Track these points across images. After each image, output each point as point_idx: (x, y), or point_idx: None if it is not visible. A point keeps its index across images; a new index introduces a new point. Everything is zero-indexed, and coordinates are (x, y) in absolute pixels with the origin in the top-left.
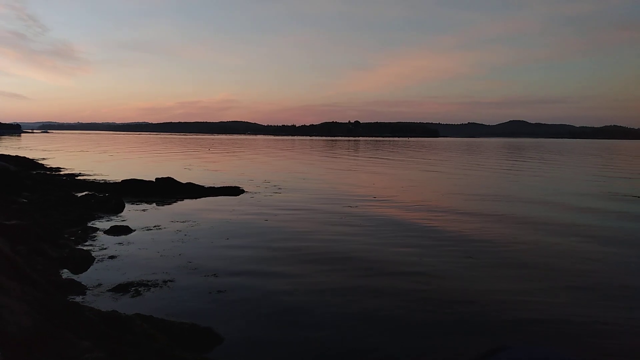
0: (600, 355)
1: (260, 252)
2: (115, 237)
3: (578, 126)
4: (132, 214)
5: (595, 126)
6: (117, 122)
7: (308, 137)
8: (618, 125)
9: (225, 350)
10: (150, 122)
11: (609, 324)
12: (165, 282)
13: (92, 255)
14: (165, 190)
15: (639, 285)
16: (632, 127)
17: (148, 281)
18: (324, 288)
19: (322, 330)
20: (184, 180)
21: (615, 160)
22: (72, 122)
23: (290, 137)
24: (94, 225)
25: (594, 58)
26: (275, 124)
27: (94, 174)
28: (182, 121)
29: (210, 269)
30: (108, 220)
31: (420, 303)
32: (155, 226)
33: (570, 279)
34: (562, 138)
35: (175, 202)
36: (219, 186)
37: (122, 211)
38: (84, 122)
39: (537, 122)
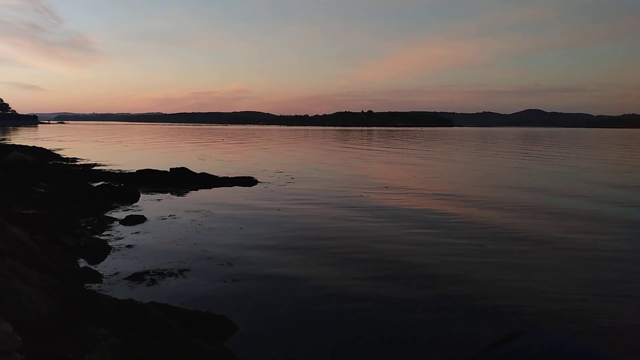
0: (616, 344)
1: (275, 242)
2: (131, 226)
3: (596, 115)
4: (147, 203)
5: (614, 115)
6: (132, 112)
7: (321, 127)
8: (637, 113)
9: (239, 339)
10: (164, 112)
11: (624, 316)
12: (180, 271)
13: (109, 244)
14: (179, 180)
15: None
16: None
17: (164, 270)
18: (340, 279)
19: (338, 322)
20: (198, 171)
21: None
22: (87, 113)
23: (303, 127)
24: (110, 215)
25: (611, 46)
26: (288, 114)
27: (110, 164)
28: (196, 111)
29: (225, 258)
30: (124, 210)
31: (434, 292)
32: (170, 215)
33: (586, 270)
34: (579, 127)
35: (189, 192)
36: (232, 176)
37: (137, 201)
38: (99, 112)
39: (553, 111)
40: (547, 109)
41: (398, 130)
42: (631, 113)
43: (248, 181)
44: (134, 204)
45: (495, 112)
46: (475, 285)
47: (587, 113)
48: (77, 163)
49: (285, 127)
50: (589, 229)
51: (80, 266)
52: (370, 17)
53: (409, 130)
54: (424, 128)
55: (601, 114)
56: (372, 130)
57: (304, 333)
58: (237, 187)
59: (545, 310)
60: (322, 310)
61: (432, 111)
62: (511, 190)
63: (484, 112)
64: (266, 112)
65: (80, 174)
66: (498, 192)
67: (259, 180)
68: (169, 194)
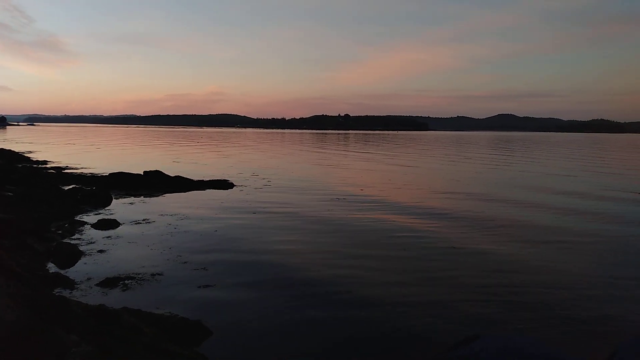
0: (576, 344)
1: (250, 245)
2: (103, 231)
3: (566, 120)
4: (120, 207)
5: (583, 120)
6: (105, 114)
7: (298, 130)
8: (605, 119)
9: (214, 344)
10: (138, 114)
11: (580, 318)
12: (154, 275)
13: (80, 249)
14: (153, 184)
15: (624, 274)
16: (618, 121)
17: (137, 275)
18: (315, 282)
19: (311, 324)
20: (172, 174)
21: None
22: (58, 115)
23: (280, 131)
24: (81, 219)
25: (582, 53)
26: (265, 117)
27: (81, 167)
28: (171, 114)
29: (199, 263)
30: (96, 214)
31: (401, 292)
32: (143, 220)
33: (548, 271)
34: (550, 132)
35: (163, 195)
36: (208, 179)
37: (109, 205)
38: (70, 114)
39: (525, 115)
40: (520, 113)
41: (374, 134)
42: (599, 118)
43: (224, 184)
44: (107, 208)
45: (470, 116)
46: (443, 287)
47: (558, 118)
48: (48, 166)
49: (262, 130)
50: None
51: (50, 271)
52: (348, 22)
53: (385, 134)
54: (399, 132)
55: (571, 119)
56: (348, 133)
57: (278, 337)
58: (213, 190)
59: (505, 312)
60: (296, 314)
61: (408, 115)
62: (480, 193)
63: (458, 116)
64: (243, 114)
65: (50, 177)
66: (468, 195)
67: (234, 183)
68: (143, 197)
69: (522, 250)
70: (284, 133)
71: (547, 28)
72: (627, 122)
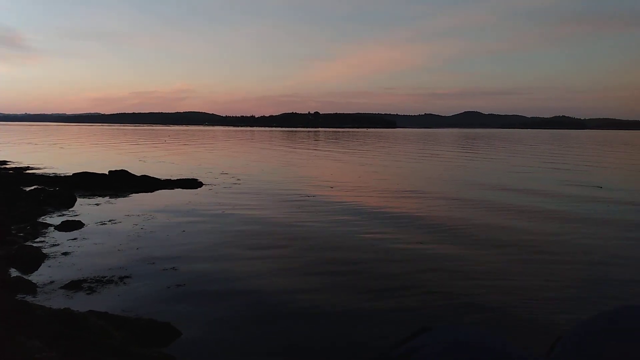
0: (526, 338)
1: (220, 245)
2: (67, 232)
3: (530, 117)
4: (85, 208)
5: (546, 117)
6: (68, 112)
7: (268, 128)
8: (567, 115)
9: (183, 345)
10: (102, 112)
11: (535, 310)
12: (121, 277)
13: (43, 252)
14: (119, 184)
15: (588, 262)
16: (579, 118)
17: (103, 277)
18: (284, 279)
19: (281, 323)
20: (138, 173)
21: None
22: (18, 113)
23: (249, 128)
24: (44, 221)
25: (545, 51)
26: (234, 115)
27: (43, 167)
28: (137, 112)
29: (168, 263)
30: (59, 216)
31: (368, 289)
32: (109, 220)
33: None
34: (514, 128)
35: (130, 195)
36: (175, 178)
37: (73, 206)
38: (31, 113)
39: (490, 112)
40: (485, 111)
41: (344, 131)
42: (561, 115)
43: (192, 183)
44: (71, 209)
45: (437, 114)
46: (405, 281)
47: (521, 115)
48: (7, 166)
49: (231, 128)
50: (526, 226)
51: (12, 276)
52: (318, 20)
53: (355, 131)
54: (369, 129)
55: (535, 115)
56: (318, 131)
57: (249, 337)
58: (181, 189)
59: (460, 304)
60: (267, 313)
61: (377, 113)
62: (451, 189)
63: (425, 114)
64: (211, 112)
65: (10, 178)
66: (438, 190)
67: (203, 182)
68: (108, 197)
69: (474, 251)
70: (253, 131)
71: (512, 27)
72: (587, 118)
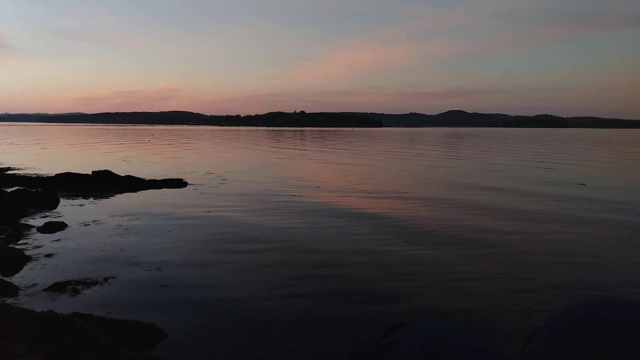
0: (500, 329)
1: (205, 245)
2: (51, 234)
3: (513, 115)
4: (68, 209)
5: (529, 115)
6: (50, 112)
7: (254, 128)
8: (550, 114)
9: (169, 346)
10: (86, 112)
11: (509, 306)
12: (105, 279)
13: (26, 254)
14: (102, 184)
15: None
16: (561, 116)
17: (87, 278)
18: (269, 281)
19: (266, 324)
20: (122, 173)
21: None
22: None
23: (235, 128)
24: (26, 223)
25: (527, 52)
26: (220, 114)
27: (25, 168)
28: (121, 111)
29: (153, 264)
30: (42, 217)
31: (348, 289)
32: (93, 221)
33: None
34: (498, 127)
35: (114, 196)
36: (160, 178)
37: (57, 207)
38: (12, 112)
39: (474, 111)
40: (469, 110)
41: (330, 130)
42: (544, 114)
43: (177, 183)
44: (54, 210)
45: (422, 113)
46: (385, 278)
47: (504, 114)
48: None
49: (217, 128)
50: (498, 222)
51: None
52: (303, 19)
53: (341, 130)
54: (355, 128)
55: (518, 114)
56: (304, 130)
57: (235, 337)
58: (166, 189)
59: (434, 301)
60: (253, 314)
61: (363, 112)
62: (435, 189)
63: (411, 113)
64: (196, 112)
65: None
66: (422, 190)
67: (188, 182)
68: (92, 198)
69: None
70: (239, 130)
71: (495, 28)
72: (569, 117)
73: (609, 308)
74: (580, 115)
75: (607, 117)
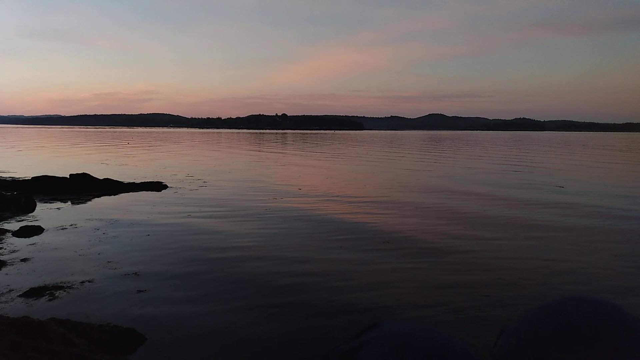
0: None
1: (183, 249)
2: (27, 238)
3: (492, 119)
4: (45, 213)
5: (507, 119)
6: (26, 114)
7: (235, 130)
8: (527, 118)
9: (149, 350)
10: (63, 114)
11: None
12: (83, 283)
13: (0, 259)
14: (80, 187)
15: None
16: (538, 120)
17: (64, 283)
18: (248, 286)
19: (243, 328)
20: (101, 176)
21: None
22: None
23: (216, 130)
24: (1, 227)
25: (506, 56)
26: (200, 117)
27: (0, 171)
28: (99, 113)
29: (131, 268)
30: (18, 221)
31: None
32: (71, 225)
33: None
34: (477, 130)
35: (92, 199)
36: (139, 182)
37: (33, 211)
38: None
39: (454, 115)
40: (449, 113)
41: (312, 133)
42: (521, 117)
43: (156, 186)
44: (30, 214)
45: (402, 116)
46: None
47: (484, 117)
48: None
49: (197, 130)
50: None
51: None
52: (283, 22)
53: (323, 133)
54: (336, 131)
55: (496, 118)
56: (286, 133)
57: (213, 339)
58: (145, 192)
59: (404, 301)
60: (230, 317)
61: (344, 115)
62: (416, 195)
63: (392, 116)
64: (175, 114)
65: None
66: (402, 194)
67: (168, 185)
68: (70, 202)
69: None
70: (219, 133)
71: (472, 32)
72: (546, 120)
73: (575, 306)
74: (556, 119)
75: (582, 121)
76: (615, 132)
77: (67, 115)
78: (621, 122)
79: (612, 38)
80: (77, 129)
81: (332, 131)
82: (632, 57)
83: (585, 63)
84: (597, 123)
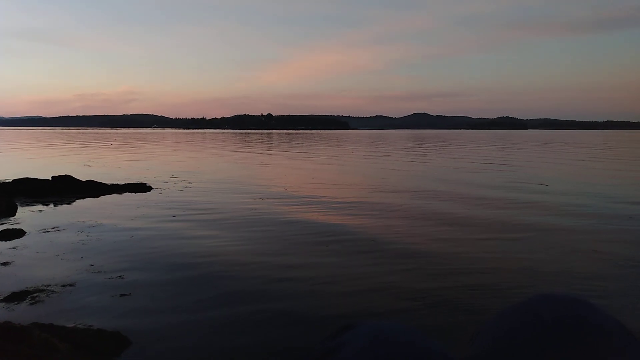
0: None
1: (169, 250)
2: (7, 241)
3: (475, 118)
4: (26, 215)
5: (491, 117)
6: (6, 116)
7: (220, 130)
8: (510, 116)
9: (134, 354)
10: (44, 115)
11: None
12: (65, 287)
13: None
14: (63, 190)
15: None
16: (521, 118)
17: (47, 287)
18: (234, 286)
19: (228, 332)
20: (84, 178)
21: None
22: None
23: (201, 131)
24: None
25: (486, 55)
26: (185, 117)
27: None
28: (81, 114)
29: (115, 271)
30: None
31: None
32: (53, 228)
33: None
34: (461, 129)
35: (75, 201)
36: (123, 183)
37: (14, 214)
38: None
39: (438, 114)
40: (433, 112)
41: (297, 133)
42: (505, 116)
43: (140, 188)
44: (11, 217)
45: (387, 115)
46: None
47: (467, 116)
48: None
49: (182, 131)
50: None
51: None
52: (268, 22)
53: (309, 133)
54: (322, 131)
55: (480, 116)
56: (272, 133)
57: (200, 342)
58: (129, 194)
59: (383, 300)
60: (217, 319)
61: (330, 115)
62: (401, 195)
63: (377, 115)
64: (159, 114)
65: None
66: (387, 194)
67: (152, 186)
68: (52, 204)
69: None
70: (204, 133)
71: (458, 32)
72: (528, 118)
73: (547, 304)
74: (538, 117)
75: (564, 119)
76: (596, 130)
77: (48, 116)
78: (602, 120)
79: (592, 38)
80: (59, 130)
81: (318, 131)
82: (612, 56)
83: (567, 62)
84: (579, 121)
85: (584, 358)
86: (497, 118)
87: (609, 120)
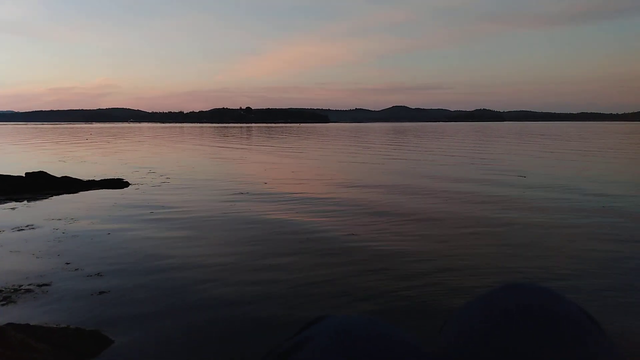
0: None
1: (147, 247)
2: None
3: (453, 110)
4: None
5: (469, 110)
6: None
7: (198, 124)
8: (487, 109)
9: (115, 353)
10: (16, 110)
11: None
12: (41, 286)
13: None
14: (37, 186)
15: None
16: (498, 111)
17: (22, 287)
18: (213, 282)
19: (210, 325)
20: (59, 174)
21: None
22: None
23: (178, 125)
24: None
25: (465, 48)
26: (161, 111)
27: None
28: (55, 109)
29: (93, 269)
30: None
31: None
32: (27, 226)
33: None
34: (439, 121)
35: (50, 198)
36: (99, 179)
37: None
38: None
39: (417, 107)
40: (412, 105)
41: (277, 126)
42: (482, 108)
43: (117, 183)
44: None
45: (367, 108)
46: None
47: (445, 109)
48: None
49: (159, 125)
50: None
51: None
52: (244, 14)
53: (289, 126)
54: (302, 124)
55: (458, 109)
56: (251, 126)
57: (182, 339)
58: (105, 190)
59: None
60: (198, 316)
61: (309, 108)
62: (383, 191)
63: (356, 108)
64: (136, 108)
65: None
66: (365, 189)
67: (129, 182)
68: (26, 201)
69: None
70: (182, 127)
71: (435, 25)
72: (505, 111)
73: (514, 294)
74: (515, 110)
75: (539, 111)
76: (570, 122)
77: (20, 111)
78: (576, 112)
79: (566, 30)
80: (32, 125)
81: (298, 124)
82: (586, 49)
83: (541, 55)
84: (554, 113)
85: (549, 346)
86: (474, 110)
87: (583, 112)
